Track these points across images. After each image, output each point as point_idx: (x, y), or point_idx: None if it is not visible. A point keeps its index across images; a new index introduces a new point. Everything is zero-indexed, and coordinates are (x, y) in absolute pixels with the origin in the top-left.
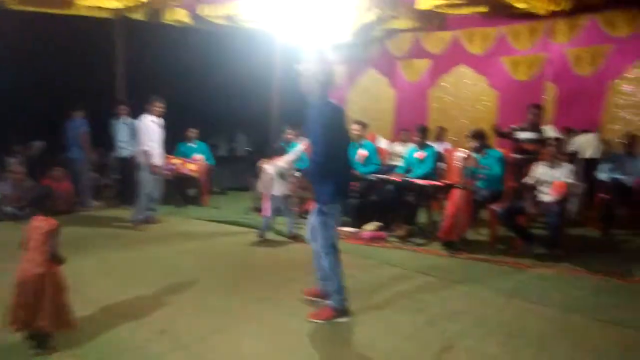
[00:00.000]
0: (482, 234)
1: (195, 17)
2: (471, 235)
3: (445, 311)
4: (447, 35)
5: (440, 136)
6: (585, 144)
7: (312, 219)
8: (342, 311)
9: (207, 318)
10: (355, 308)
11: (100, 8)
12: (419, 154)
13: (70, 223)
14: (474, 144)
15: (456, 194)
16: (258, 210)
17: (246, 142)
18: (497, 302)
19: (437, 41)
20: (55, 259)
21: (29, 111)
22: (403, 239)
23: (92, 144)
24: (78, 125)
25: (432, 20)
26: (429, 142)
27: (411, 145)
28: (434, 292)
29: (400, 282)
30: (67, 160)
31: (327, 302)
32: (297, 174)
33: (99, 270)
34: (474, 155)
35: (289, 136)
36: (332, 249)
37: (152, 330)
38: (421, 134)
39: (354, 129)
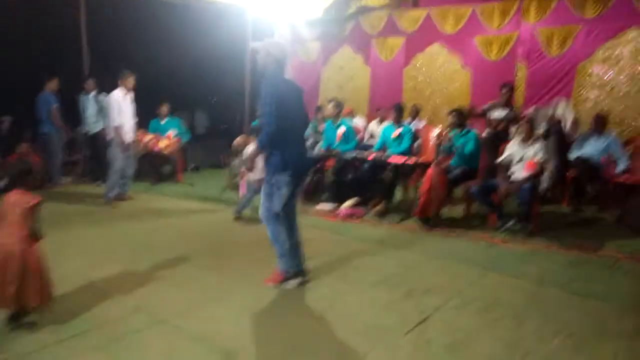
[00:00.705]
0: (456, 211)
1: None
2: (446, 212)
3: (422, 285)
4: (421, 14)
5: (415, 114)
6: (565, 112)
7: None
8: (290, 275)
9: (183, 294)
10: (333, 283)
11: None
12: (395, 132)
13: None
14: (453, 120)
15: (431, 172)
16: (234, 187)
17: (206, 120)
18: (472, 275)
19: (411, 19)
20: (36, 235)
21: None
22: (380, 215)
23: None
24: (48, 99)
25: None
26: (404, 121)
27: (387, 124)
28: (411, 268)
29: (377, 257)
30: (37, 135)
31: (278, 265)
32: None
33: (72, 247)
34: (451, 132)
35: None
36: (274, 218)
37: (127, 306)
38: (397, 113)
39: (329, 107)
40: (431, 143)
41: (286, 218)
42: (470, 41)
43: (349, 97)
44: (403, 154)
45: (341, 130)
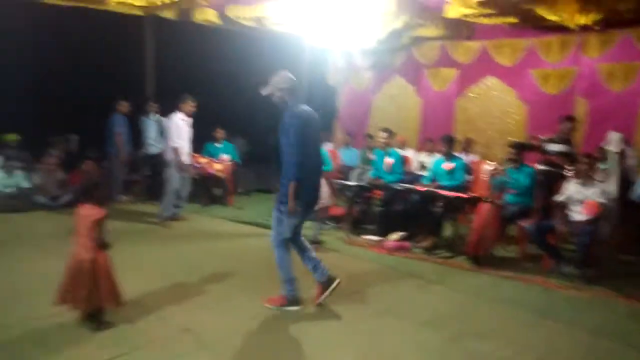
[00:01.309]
0: (509, 251)
1: (224, 18)
2: (498, 251)
3: (471, 328)
4: (475, 45)
5: (467, 147)
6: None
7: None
8: (292, 301)
9: (230, 318)
10: (377, 319)
11: (131, 5)
12: (447, 165)
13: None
14: (512, 155)
15: (484, 208)
16: None
17: (245, 146)
18: (525, 321)
19: (465, 51)
20: (102, 245)
21: (64, 105)
22: (428, 250)
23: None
24: (115, 121)
25: (460, 29)
26: (455, 153)
27: (437, 156)
28: (460, 308)
29: (424, 295)
30: (105, 154)
31: (280, 290)
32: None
33: (126, 264)
34: (507, 167)
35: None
36: (282, 244)
37: (175, 327)
38: (448, 145)
39: (381, 136)
40: (484, 177)
41: (295, 242)
42: (527, 74)
43: (399, 127)
44: (455, 188)
45: (390, 160)
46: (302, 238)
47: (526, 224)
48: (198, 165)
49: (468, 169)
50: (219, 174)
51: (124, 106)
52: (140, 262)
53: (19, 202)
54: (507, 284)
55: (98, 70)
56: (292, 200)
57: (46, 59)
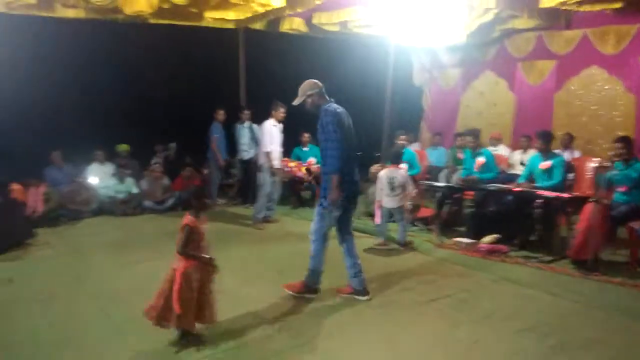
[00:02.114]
0: (620, 255)
1: (311, 25)
2: (607, 255)
3: (577, 338)
4: (574, 34)
5: (567, 144)
6: None
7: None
8: (311, 289)
9: (323, 319)
10: (474, 325)
11: (225, 19)
12: (544, 164)
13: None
14: (620, 150)
15: (589, 208)
16: (370, 215)
17: None
18: (637, 331)
19: (563, 41)
20: (183, 254)
21: (167, 116)
22: (519, 247)
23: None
24: (213, 129)
25: (557, 18)
26: (555, 151)
27: (533, 153)
28: (564, 317)
29: (523, 301)
30: (204, 160)
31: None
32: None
33: (224, 265)
34: (617, 163)
35: (401, 141)
36: (322, 238)
37: (271, 326)
38: (545, 141)
39: (467, 140)
40: (588, 175)
41: (343, 240)
42: (636, 62)
43: (490, 124)
44: (553, 188)
45: (481, 160)
46: (354, 242)
47: (637, 225)
48: (287, 169)
49: (569, 167)
50: (307, 177)
51: (220, 114)
52: (239, 263)
53: (129, 207)
54: (616, 291)
55: (196, 82)
56: (335, 191)
57: (150, 75)
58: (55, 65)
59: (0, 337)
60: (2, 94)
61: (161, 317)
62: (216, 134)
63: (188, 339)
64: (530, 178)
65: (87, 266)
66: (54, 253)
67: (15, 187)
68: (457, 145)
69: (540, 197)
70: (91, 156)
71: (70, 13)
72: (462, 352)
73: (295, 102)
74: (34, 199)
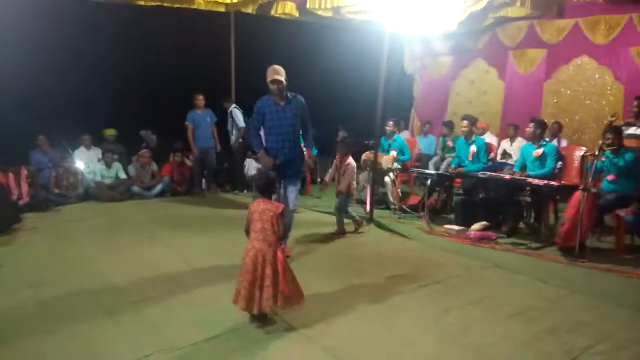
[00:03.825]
0: (606, 242)
1: (303, 10)
2: (593, 242)
3: (566, 322)
4: (566, 24)
5: (556, 132)
6: None
7: (291, 189)
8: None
9: (315, 305)
10: (464, 309)
11: (216, 2)
12: (537, 151)
13: (191, 204)
14: (610, 139)
15: (577, 196)
16: (360, 202)
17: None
18: (623, 317)
19: (555, 30)
20: (281, 238)
21: (156, 101)
22: (508, 234)
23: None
24: (187, 117)
25: (549, 7)
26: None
27: (519, 141)
28: (552, 302)
29: (512, 287)
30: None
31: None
32: (399, 168)
33: (204, 247)
34: (607, 152)
35: (389, 128)
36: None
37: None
38: (539, 129)
39: (463, 125)
40: (576, 164)
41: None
42: (626, 52)
43: (479, 113)
44: (546, 175)
45: (474, 148)
46: None
47: (624, 213)
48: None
49: (559, 156)
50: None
51: (199, 100)
52: (223, 245)
53: (117, 192)
54: (603, 277)
55: (186, 67)
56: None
57: (138, 58)
58: (39, 48)
59: None
60: None
61: (251, 301)
62: (189, 122)
63: (265, 319)
64: (523, 167)
65: (75, 251)
66: (41, 238)
67: None
68: (446, 133)
69: (529, 184)
70: (78, 141)
71: None
72: (454, 335)
73: (284, 80)
74: (17, 184)
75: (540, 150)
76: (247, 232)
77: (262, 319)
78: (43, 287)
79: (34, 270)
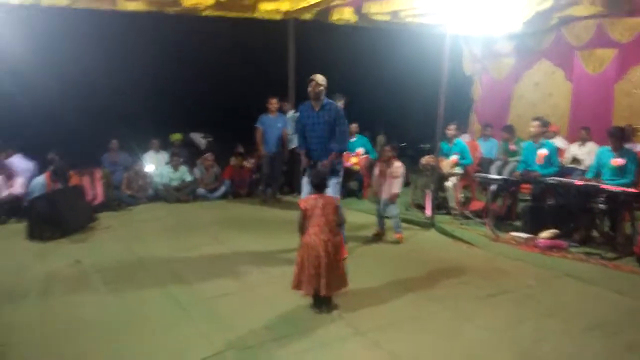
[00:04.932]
0: None
1: (361, 15)
2: None
3: None
4: (637, 22)
5: (630, 137)
6: None
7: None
8: None
9: (381, 310)
10: (538, 321)
11: (276, 10)
12: (617, 161)
13: (253, 206)
14: None
15: None
16: (419, 206)
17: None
18: None
19: (626, 28)
20: (341, 226)
21: (217, 105)
22: (581, 244)
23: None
24: (258, 120)
25: (619, 5)
26: (626, 146)
27: (590, 145)
28: (631, 316)
29: (587, 299)
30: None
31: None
32: (460, 172)
33: (267, 248)
34: None
35: (450, 132)
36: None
37: (329, 314)
38: (617, 139)
39: (533, 125)
40: None
41: None
42: None
43: (545, 116)
44: (627, 186)
45: (544, 152)
46: None
47: None
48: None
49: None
50: (354, 167)
51: (273, 104)
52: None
53: (183, 194)
54: None
55: (247, 74)
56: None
57: (200, 66)
58: (111, 59)
59: (72, 316)
60: (65, 87)
61: (320, 285)
62: (259, 125)
63: (330, 304)
64: (598, 173)
65: (148, 250)
66: (115, 237)
67: (71, 174)
68: (507, 137)
69: (604, 191)
70: (147, 145)
71: (131, 6)
72: (528, 348)
73: (319, 82)
74: (92, 185)
75: (622, 160)
76: (302, 229)
77: (327, 303)
78: (120, 284)
79: (110, 267)
